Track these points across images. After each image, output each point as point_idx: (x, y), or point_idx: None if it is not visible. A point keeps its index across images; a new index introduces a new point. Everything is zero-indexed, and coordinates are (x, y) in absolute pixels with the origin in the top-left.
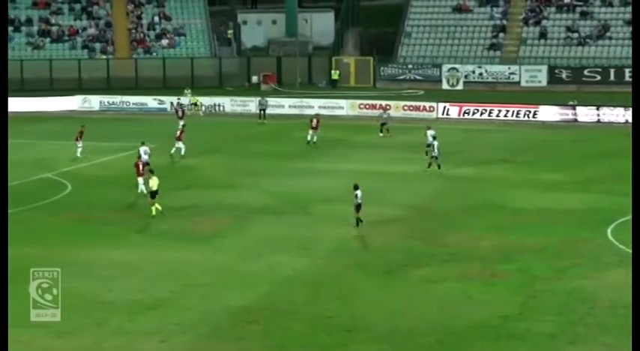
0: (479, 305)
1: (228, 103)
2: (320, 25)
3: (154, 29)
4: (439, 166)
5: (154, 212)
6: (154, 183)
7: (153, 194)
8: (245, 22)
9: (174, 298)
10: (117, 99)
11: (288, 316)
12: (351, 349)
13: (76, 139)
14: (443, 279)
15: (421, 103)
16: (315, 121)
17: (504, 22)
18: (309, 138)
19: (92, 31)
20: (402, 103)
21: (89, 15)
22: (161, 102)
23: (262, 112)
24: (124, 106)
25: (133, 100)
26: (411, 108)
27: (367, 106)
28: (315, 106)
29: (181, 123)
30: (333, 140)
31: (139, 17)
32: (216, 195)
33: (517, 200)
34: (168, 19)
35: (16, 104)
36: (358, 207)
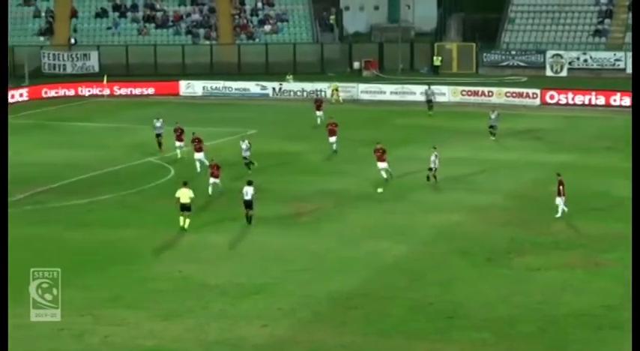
0: (581, 294)
1: (329, 89)
2: (422, 11)
3: (257, 15)
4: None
5: (181, 223)
6: (181, 195)
7: (182, 207)
8: (347, 8)
9: (276, 283)
10: (220, 84)
11: (388, 302)
12: (451, 335)
13: (178, 139)
14: (545, 267)
15: (524, 90)
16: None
17: (610, 7)
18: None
19: (196, 16)
20: (505, 89)
21: (193, 1)
22: (263, 87)
23: (429, 102)
24: (227, 91)
25: (235, 85)
26: (514, 95)
27: (469, 93)
28: (416, 92)
29: (318, 114)
30: (434, 127)
31: (243, 3)
32: (318, 181)
33: (621, 188)
34: (271, 4)
35: (121, 89)
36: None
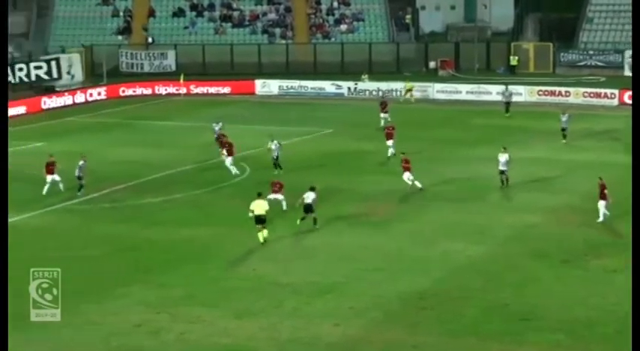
0: None
1: (404, 89)
2: (499, 11)
3: (333, 14)
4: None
5: (260, 239)
6: (256, 206)
7: (257, 219)
8: (423, 7)
9: (348, 282)
10: (295, 83)
11: (462, 302)
12: (526, 337)
13: (221, 145)
14: (622, 269)
15: (602, 90)
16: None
17: None
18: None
19: (272, 16)
20: (582, 89)
21: (270, 0)
22: (338, 87)
23: (507, 104)
24: (302, 90)
25: (310, 84)
26: (591, 95)
27: (546, 93)
28: (492, 92)
29: (382, 116)
30: (510, 127)
31: (318, 2)
32: (392, 180)
33: None
34: (347, 4)
35: (197, 88)
36: None
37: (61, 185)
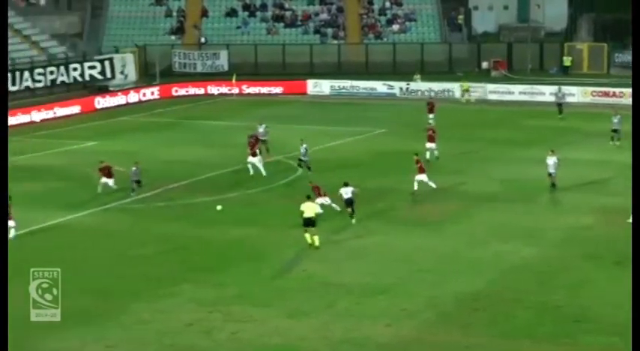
0: None
1: (457, 89)
2: (552, 11)
3: (385, 14)
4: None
5: (309, 241)
6: (306, 209)
7: (306, 222)
8: (476, 8)
9: (401, 283)
10: (347, 83)
11: (514, 304)
12: (579, 339)
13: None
14: None
15: None
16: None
17: None
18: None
19: (324, 16)
20: None
21: (322, 0)
22: (390, 87)
23: (559, 106)
24: (354, 90)
25: (362, 84)
26: None
27: (600, 94)
28: (546, 92)
29: (430, 116)
30: (563, 128)
31: (371, 2)
32: (444, 181)
33: None
34: (399, 4)
35: (249, 88)
36: None
37: (112, 185)
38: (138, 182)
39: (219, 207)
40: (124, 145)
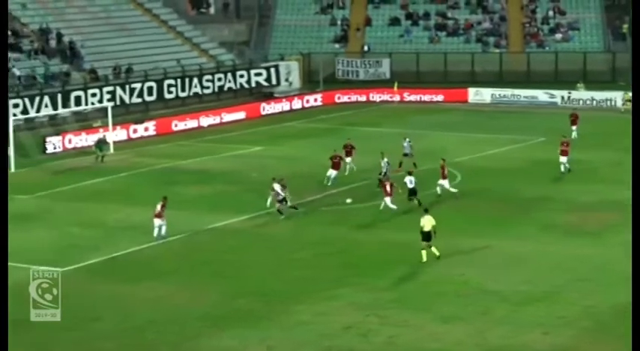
0: None
1: (619, 98)
2: None
3: (548, 23)
4: None
5: (424, 258)
6: (425, 223)
7: (425, 236)
8: None
9: (559, 291)
10: (508, 92)
11: None
12: None
13: (347, 154)
14: None
15: None
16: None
17: None
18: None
19: (487, 24)
20: None
21: (484, 9)
22: (552, 96)
23: None
24: (515, 99)
25: (523, 93)
26: None
27: None
28: None
29: (573, 128)
30: None
31: (534, 11)
32: (604, 190)
33: None
34: (562, 13)
35: (411, 95)
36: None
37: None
38: (283, 201)
39: (349, 200)
40: (288, 151)
